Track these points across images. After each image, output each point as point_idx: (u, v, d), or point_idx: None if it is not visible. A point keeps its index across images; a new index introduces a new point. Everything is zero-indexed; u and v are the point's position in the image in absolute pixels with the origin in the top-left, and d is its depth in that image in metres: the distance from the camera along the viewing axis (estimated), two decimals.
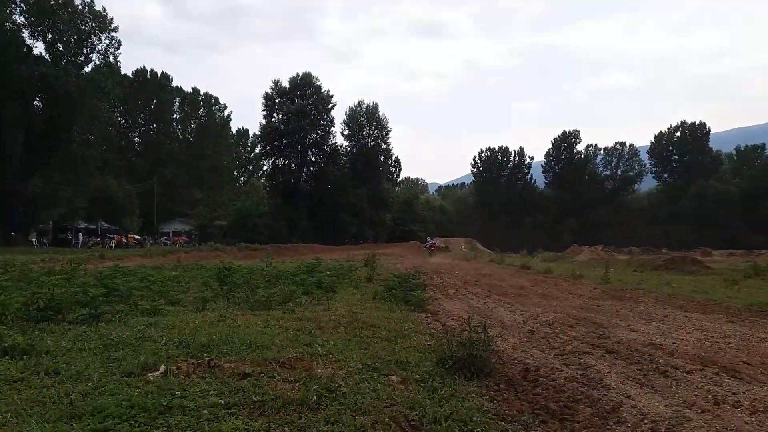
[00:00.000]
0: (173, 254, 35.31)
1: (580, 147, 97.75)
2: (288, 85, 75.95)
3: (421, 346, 7.24)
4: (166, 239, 61.91)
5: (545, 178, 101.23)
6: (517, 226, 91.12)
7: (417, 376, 5.57)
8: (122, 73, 64.94)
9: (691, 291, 15.36)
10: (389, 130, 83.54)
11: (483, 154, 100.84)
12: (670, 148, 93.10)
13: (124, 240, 52.87)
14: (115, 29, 55.08)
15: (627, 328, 9.26)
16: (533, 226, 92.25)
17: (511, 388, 5.62)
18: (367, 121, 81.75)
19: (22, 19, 50.93)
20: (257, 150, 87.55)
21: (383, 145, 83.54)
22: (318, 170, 77.95)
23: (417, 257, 41.58)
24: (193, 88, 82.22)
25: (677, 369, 6.29)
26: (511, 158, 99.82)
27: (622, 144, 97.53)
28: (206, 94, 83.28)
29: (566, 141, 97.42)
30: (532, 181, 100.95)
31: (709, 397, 5.24)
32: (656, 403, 5.03)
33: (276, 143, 75.44)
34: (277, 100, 75.60)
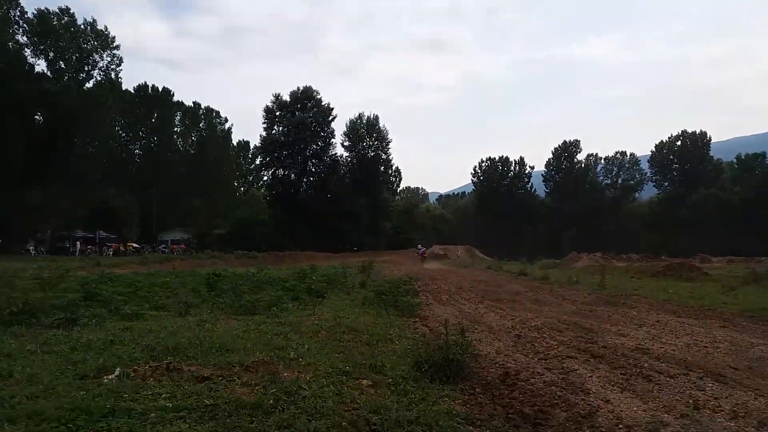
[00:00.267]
0: (170, 261, 35.12)
1: (581, 156, 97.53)
2: (289, 99, 76.33)
3: (401, 350, 7.07)
4: (164, 247, 61.63)
5: (546, 187, 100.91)
6: (518, 235, 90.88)
7: (390, 380, 5.39)
8: (123, 88, 65.74)
9: (687, 297, 15.13)
10: (389, 141, 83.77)
11: (483, 164, 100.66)
12: (671, 157, 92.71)
13: (122, 248, 52.71)
14: (117, 47, 56.35)
15: (616, 333, 9.06)
16: (534, 235, 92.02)
17: (487, 392, 5.45)
18: (367, 132, 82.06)
19: (25, 38, 52.26)
20: (257, 161, 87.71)
21: (383, 156, 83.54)
22: (318, 180, 78.09)
23: (415, 264, 41.34)
24: (194, 102, 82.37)
25: (661, 373, 6.10)
26: (512, 168, 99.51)
27: (623, 153, 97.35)
28: (207, 108, 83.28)
29: (567, 150, 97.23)
30: (533, 190, 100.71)
31: (690, 401, 5.05)
32: (635, 408, 4.84)
33: (276, 154, 75.72)
34: (277, 113, 76.01)
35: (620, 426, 4.37)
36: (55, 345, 6.26)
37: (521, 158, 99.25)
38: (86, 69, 54.98)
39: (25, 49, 51.97)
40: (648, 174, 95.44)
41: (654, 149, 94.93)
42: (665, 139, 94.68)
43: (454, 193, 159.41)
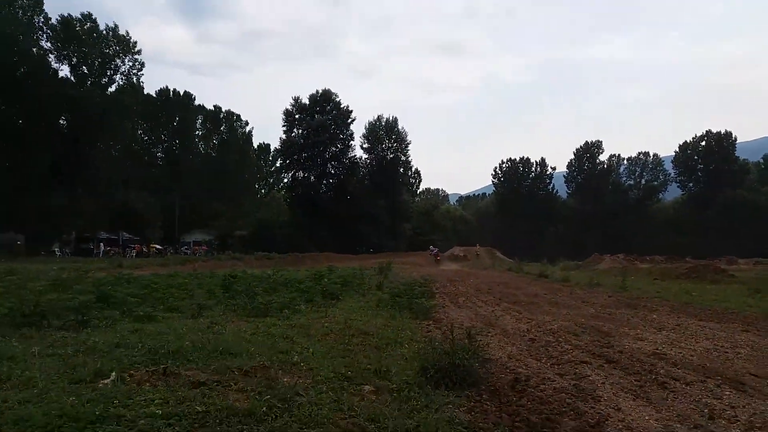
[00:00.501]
0: (191, 263, 35.42)
1: (603, 157, 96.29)
2: (308, 102, 76.98)
3: (410, 354, 6.89)
4: (186, 249, 62.39)
5: (567, 188, 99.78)
6: (540, 236, 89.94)
7: (394, 386, 5.23)
8: (145, 92, 67.30)
9: (711, 300, 14.72)
10: (408, 143, 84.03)
11: (504, 165, 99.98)
12: (696, 157, 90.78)
13: (145, 249, 53.51)
14: (138, 52, 57.76)
15: (634, 337, 8.79)
16: (556, 236, 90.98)
17: (495, 399, 5.26)
18: (386, 134, 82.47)
19: (49, 44, 53.66)
20: (278, 163, 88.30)
21: (402, 158, 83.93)
22: (337, 182, 78.46)
23: (433, 266, 41.13)
24: (215, 106, 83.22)
25: (677, 380, 5.85)
26: (533, 169, 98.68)
27: (646, 154, 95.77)
28: (228, 111, 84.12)
29: (589, 151, 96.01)
30: (554, 191, 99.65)
31: (705, 410, 4.81)
32: (646, 417, 4.63)
33: (296, 157, 76.31)
34: (297, 116, 76.70)
35: None
36: (60, 348, 6.19)
37: (542, 159, 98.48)
38: (108, 73, 56.39)
39: (49, 54, 53.46)
40: (672, 175, 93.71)
41: (678, 149, 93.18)
42: (689, 139, 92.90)
43: (474, 195, 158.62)
